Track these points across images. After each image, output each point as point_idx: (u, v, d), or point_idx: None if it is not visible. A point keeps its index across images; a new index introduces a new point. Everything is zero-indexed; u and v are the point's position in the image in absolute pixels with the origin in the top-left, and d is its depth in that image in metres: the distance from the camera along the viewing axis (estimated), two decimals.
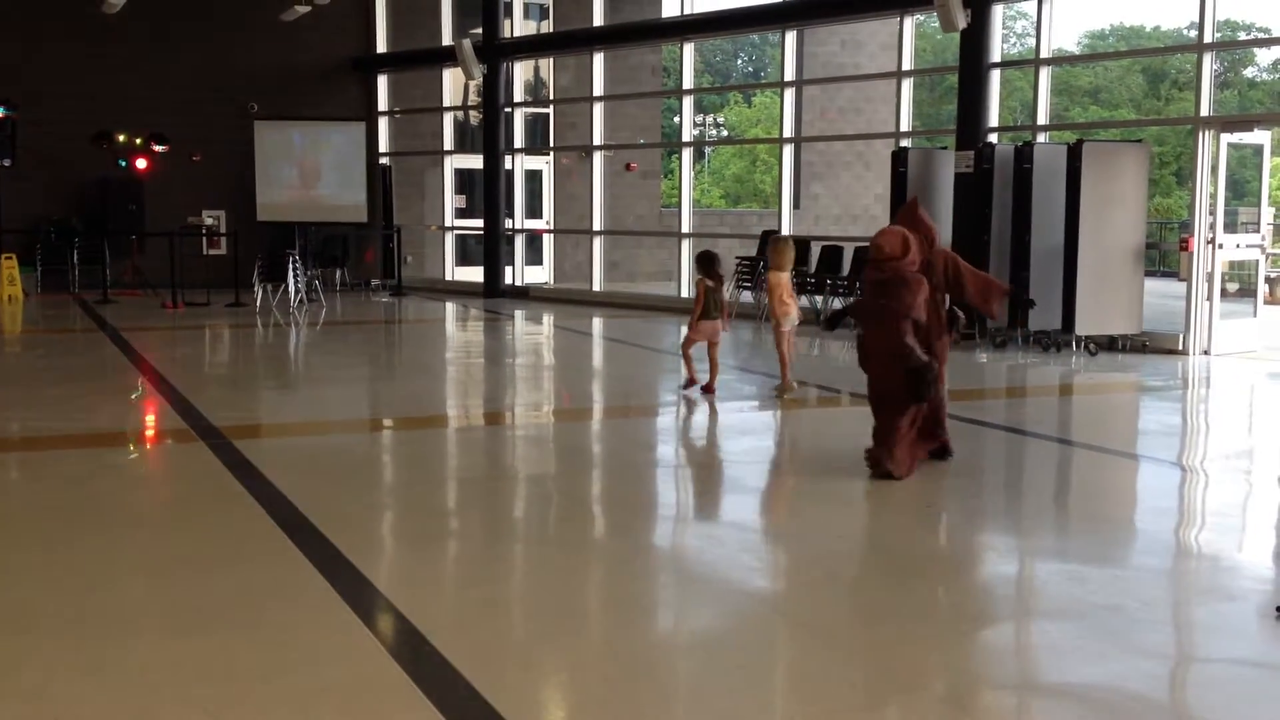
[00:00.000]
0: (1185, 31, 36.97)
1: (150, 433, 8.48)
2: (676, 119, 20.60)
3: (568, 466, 7.58)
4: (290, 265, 16.78)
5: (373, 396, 10.44)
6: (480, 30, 19.67)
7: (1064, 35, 60.75)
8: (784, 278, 9.54)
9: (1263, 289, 13.11)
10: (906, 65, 15.34)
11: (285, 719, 3.60)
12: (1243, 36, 37.42)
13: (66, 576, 4.97)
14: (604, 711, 3.75)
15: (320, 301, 17.70)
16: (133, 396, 9.90)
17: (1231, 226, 14.35)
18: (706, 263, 9.59)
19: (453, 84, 21.39)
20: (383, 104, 21.84)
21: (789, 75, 17.36)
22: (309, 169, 20.60)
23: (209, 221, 20.02)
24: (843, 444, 8.28)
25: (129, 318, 15.62)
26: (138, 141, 19.56)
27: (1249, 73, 44.85)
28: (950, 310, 7.12)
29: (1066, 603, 4.77)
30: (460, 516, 6.27)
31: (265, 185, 20.30)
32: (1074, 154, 12.42)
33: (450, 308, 18.28)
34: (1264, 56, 44.28)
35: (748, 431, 8.65)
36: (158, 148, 19.53)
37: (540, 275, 22.09)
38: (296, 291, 16.85)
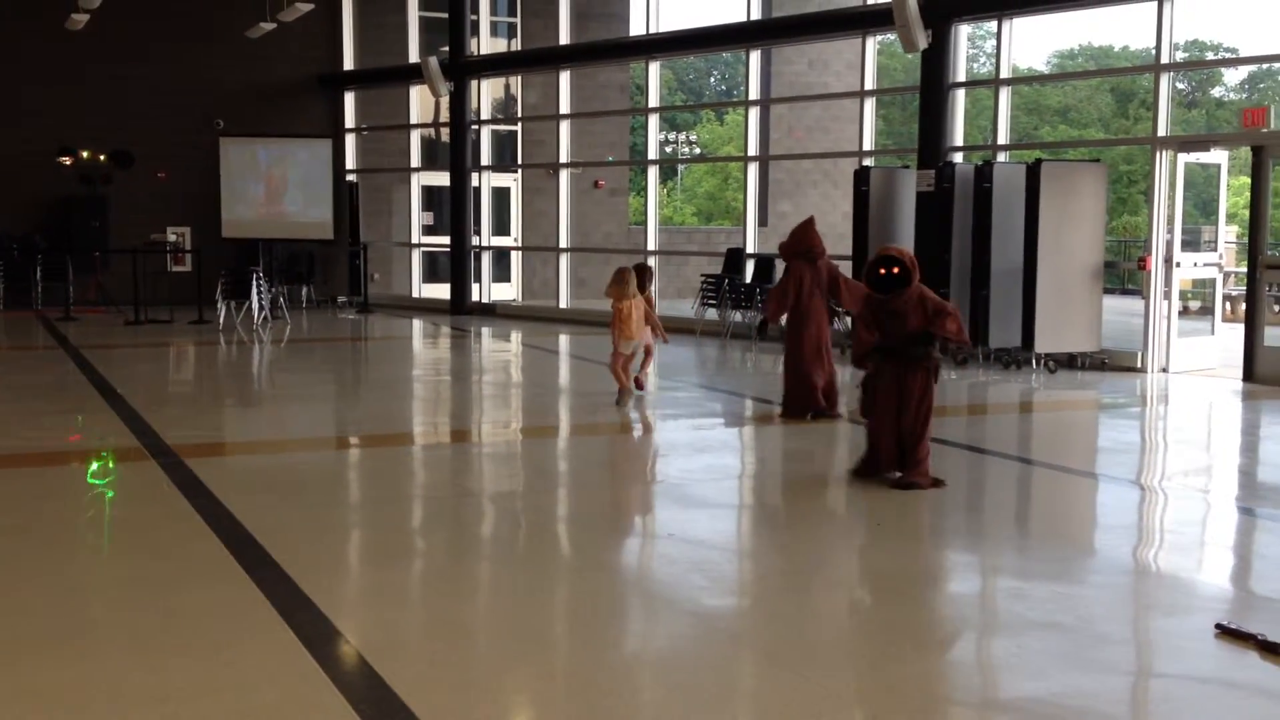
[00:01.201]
0: (1153, 51, 37.40)
1: (101, 452, 8.40)
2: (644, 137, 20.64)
3: (524, 484, 7.56)
4: (254, 282, 16.69)
5: (332, 414, 10.39)
6: (447, 48, 19.68)
7: (1034, 55, 61.39)
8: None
9: (1221, 307, 13.23)
10: (869, 85, 15.44)
11: None
12: (1210, 56, 37.90)
13: (0, 598, 4.91)
14: None
15: (285, 319, 17.62)
16: (79, 418, 9.80)
17: (1194, 245, 14.49)
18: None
19: (420, 101, 21.39)
20: (350, 121, 21.79)
21: (754, 94, 17.43)
22: (275, 185, 20.51)
23: (172, 238, 19.89)
24: (799, 462, 8.31)
25: (91, 335, 15.51)
26: (101, 158, 19.44)
27: (1216, 92, 45.42)
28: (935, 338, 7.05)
29: (1012, 619, 4.78)
30: (411, 536, 6.23)
31: (231, 202, 20.21)
32: (1033, 173, 12.52)
33: (416, 324, 18.23)
34: (1231, 76, 44.89)
35: (705, 449, 8.65)
36: (121, 166, 19.40)
37: (508, 292, 22.09)
38: (260, 309, 16.76)
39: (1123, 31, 62.83)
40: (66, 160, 19.17)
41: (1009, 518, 6.97)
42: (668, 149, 42.61)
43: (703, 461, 8.07)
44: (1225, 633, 4.44)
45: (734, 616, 4.89)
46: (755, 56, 17.36)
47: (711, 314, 16.34)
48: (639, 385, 10.46)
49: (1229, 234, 13.41)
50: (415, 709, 3.75)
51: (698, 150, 45.05)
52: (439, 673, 4.15)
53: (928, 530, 6.38)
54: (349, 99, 21.81)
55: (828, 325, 9.53)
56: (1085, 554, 6.00)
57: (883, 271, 6.86)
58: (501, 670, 4.19)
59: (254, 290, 16.61)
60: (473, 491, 7.24)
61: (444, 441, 9.04)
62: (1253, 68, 43.28)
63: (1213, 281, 13.22)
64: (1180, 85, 45.14)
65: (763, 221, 23.14)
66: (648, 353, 10.60)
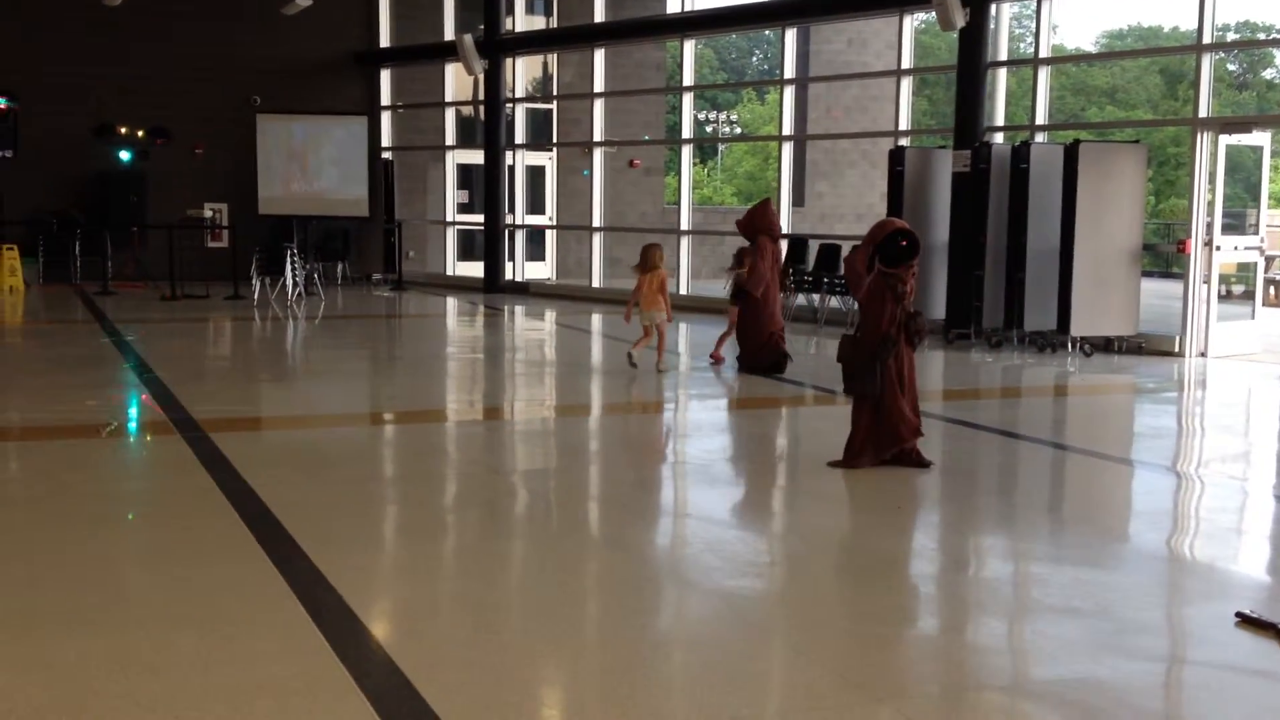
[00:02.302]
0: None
1: (128, 425, 8.46)
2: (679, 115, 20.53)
3: (548, 463, 7.54)
4: (289, 258, 16.76)
5: (361, 391, 10.40)
6: (482, 26, 19.63)
7: (1082, 34, 60.53)
8: (643, 280, 10.73)
9: (1261, 291, 12.98)
10: (906, 64, 15.24)
11: (216, 713, 3.56)
12: (1261, 38, 37.15)
13: (16, 568, 4.94)
14: (540, 714, 3.72)
15: (319, 295, 17.69)
16: (108, 391, 9.87)
17: (1238, 228, 14.22)
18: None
19: (455, 79, 21.35)
20: (385, 98, 21.81)
21: (790, 73, 17.26)
22: (311, 163, 20.58)
23: (208, 214, 20.01)
24: (818, 441, 8.23)
25: (127, 310, 15.64)
26: (139, 134, 19.57)
27: (1268, 74, 44.60)
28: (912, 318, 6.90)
29: (1034, 604, 4.70)
30: (432, 514, 6.22)
31: (267, 178, 20.30)
32: (1070, 154, 12.32)
33: (449, 302, 18.25)
34: None
35: (726, 428, 8.58)
36: (159, 141, 19.53)
37: (543, 271, 22.06)
38: (295, 285, 16.83)
39: (1172, 12, 61.71)
40: (107, 137, 19.31)
41: (1039, 503, 6.86)
42: (708, 128, 42.40)
43: (722, 441, 8.01)
44: (1245, 621, 4.34)
45: (754, 599, 4.83)
46: (791, 35, 17.18)
47: None
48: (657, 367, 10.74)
49: (1272, 217, 13.12)
50: (422, 689, 3.72)
51: (738, 130, 44.78)
52: (449, 652, 4.13)
53: (954, 514, 6.29)
54: (385, 76, 21.83)
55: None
56: (1114, 540, 5.89)
57: (905, 243, 6.74)
58: (511, 651, 4.16)
59: (288, 267, 16.67)
60: (497, 469, 7.22)
61: (472, 419, 9.04)
62: None
63: (1254, 265, 12.98)
64: (1232, 66, 44.34)
65: (798, 202, 22.98)
66: (660, 333, 10.81)
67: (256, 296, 16.82)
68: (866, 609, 4.67)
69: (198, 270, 17.66)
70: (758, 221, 10.62)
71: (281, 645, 4.11)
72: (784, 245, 10.82)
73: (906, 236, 6.78)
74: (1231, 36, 35.27)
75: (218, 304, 16.47)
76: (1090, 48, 42.90)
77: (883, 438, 6.86)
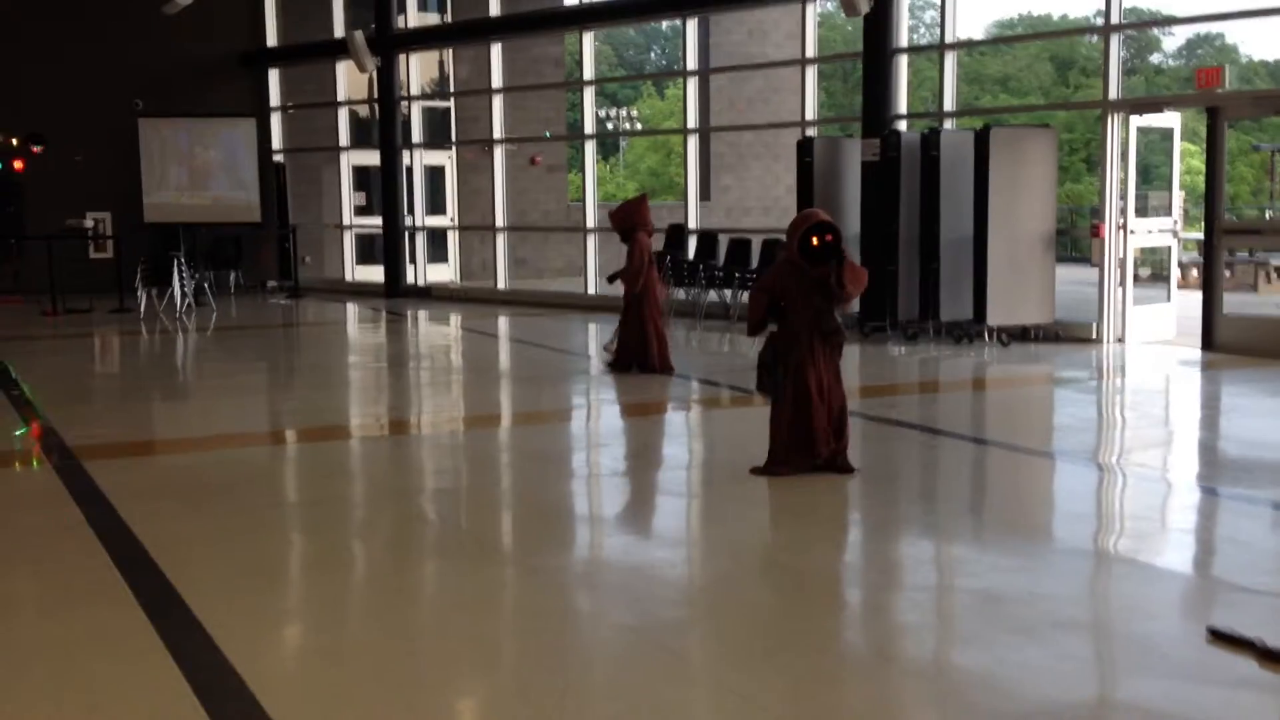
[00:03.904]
0: (1092, 19, 37.32)
1: None
2: (581, 112, 20.08)
3: (455, 482, 7.04)
4: (176, 268, 15.93)
5: (254, 407, 9.71)
6: (374, 23, 18.97)
7: (972, 24, 61.36)
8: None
9: (1175, 274, 12.94)
10: (810, 53, 14.96)
11: None
12: (1150, 23, 37.68)
13: None
14: None
15: (211, 305, 16.88)
16: None
17: (1142, 211, 14.18)
18: None
19: (348, 78, 20.61)
20: (274, 99, 20.99)
21: (691, 65, 16.90)
22: (198, 167, 19.70)
23: (89, 223, 19.02)
24: (736, 446, 7.86)
25: (3, 326, 14.72)
26: (14, 141, 18.52)
27: (1155, 59, 45.53)
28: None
29: (982, 626, 4.35)
30: (327, 545, 5.67)
31: (152, 185, 19.37)
32: (981, 140, 12.13)
33: (349, 309, 17.58)
34: (1169, 43, 44.97)
35: (639, 434, 8.15)
36: (35, 148, 18.52)
37: (446, 274, 21.45)
38: (184, 296, 16.01)
39: (1061, 1, 62.87)
40: None
41: (964, 507, 6.53)
42: (608, 125, 41.97)
43: (637, 448, 7.58)
44: (1218, 637, 4.02)
45: (671, 628, 4.40)
46: (693, 26, 16.82)
47: None
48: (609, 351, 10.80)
49: (1180, 199, 13.06)
50: None
51: (638, 125, 44.42)
52: (337, 711, 3.63)
53: (880, 521, 5.94)
54: (273, 76, 21.02)
55: None
56: (1050, 547, 5.58)
57: (816, 240, 6.28)
58: (419, 713, 3.68)
59: (175, 276, 15.86)
60: (403, 491, 6.69)
61: (375, 435, 8.47)
62: (1190, 35, 43.43)
63: (1165, 248, 12.92)
64: (1121, 52, 45.13)
65: (705, 196, 22.65)
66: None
67: (143, 309, 15.97)
68: (799, 637, 4.27)
69: (81, 283, 16.74)
70: (634, 216, 10.28)
71: (148, 706, 3.57)
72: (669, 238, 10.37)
73: (819, 232, 6.29)
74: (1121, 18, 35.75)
75: (102, 317, 15.61)
76: (981, 37, 43.32)
77: (801, 448, 6.47)
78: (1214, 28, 41.44)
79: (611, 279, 10.74)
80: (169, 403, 9.99)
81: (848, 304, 6.59)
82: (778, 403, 6.48)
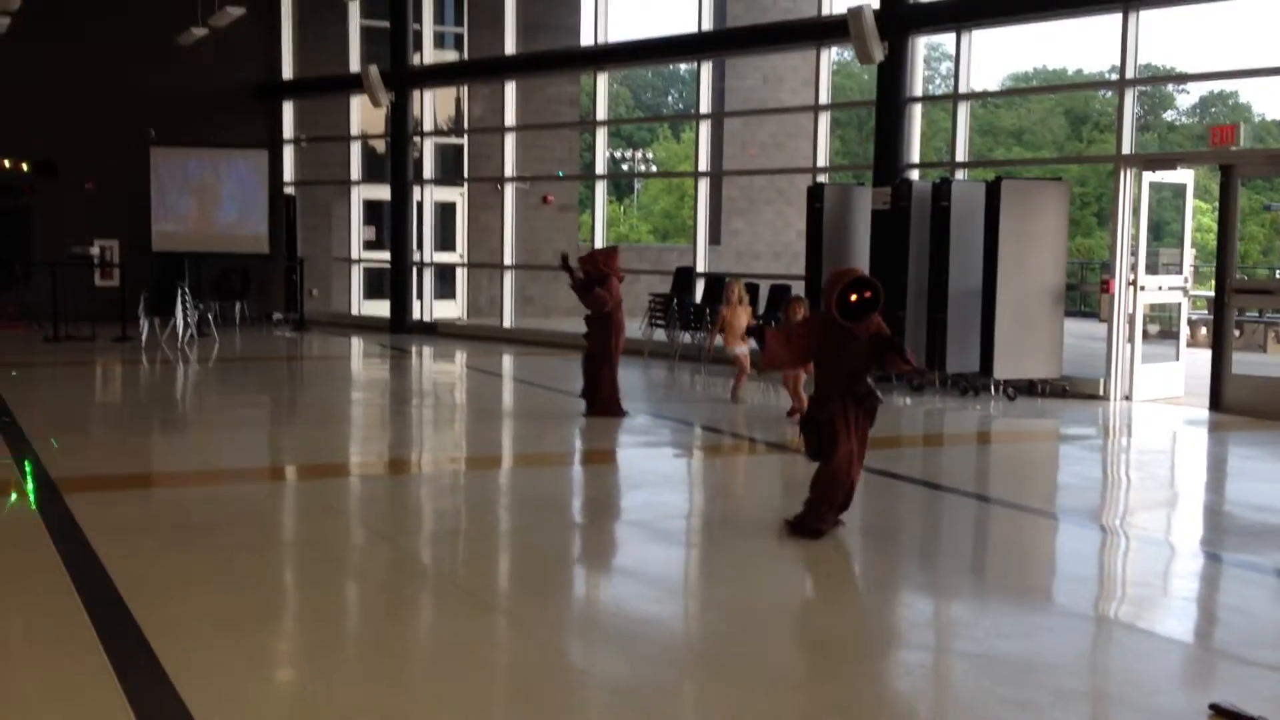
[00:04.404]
0: (1107, 75, 37.42)
1: None
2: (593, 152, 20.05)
3: (447, 527, 6.89)
4: (179, 297, 15.87)
5: (249, 442, 9.53)
6: (389, 58, 19.01)
7: (988, 76, 61.58)
8: (724, 312, 11.66)
9: (1185, 332, 12.78)
10: (824, 99, 14.92)
11: None
12: (1171, 85, 37.78)
13: None
14: None
15: (213, 336, 16.80)
16: None
17: (1152, 268, 14.05)
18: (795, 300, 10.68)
19: (362, 112, 20.65)
20: (288, 131, 21.03)
21: (704, 108, 16.87)
22: (208, 197, 19.70)
23: (94, 250, 18.98)
24: (742, 498, 7.70)
25: (3, 352, 14.65)
26: (24, 167, 18.55)
27: (1168, 116, 45.58)
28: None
29: (980, 695, 4.18)
30: (308, 591, 5.53)
31: (162, 214, 19.38)
32: (993, 191, 12.03)
33: (354, 343, 17.49)
34: (1183, 101, 45.03)
35: (644, 484, 8.00)
36: (46, 175, 18.54)
37: (453, 310, 21.38)
38: (186, 326, 15.94)
39: (1077, 55, 63.10)
40: None
41: (965, 566, 6.37)
42: (624, 166, 42.07)
43: (641, 499, 7.43)
44: (1221, 714, 3.85)
45: (659, 693, 4.24)
46: (707, 70, 16.81)
47: (660, 334, 15.73)
48: (734, 398, 11.47)
49: (1190, 256, 12.94)
50: None
51: (653, 167, 44.53)
52: None
53: (879, 579, 5.78)
54: (287, 109, 21.06)
55: None
56: (1050, 611, 5.41)
57: (855, 298, 6.05)
58: None
59: (179, 306, 15.79)
60: (395, 534, 6.54)
61: (372, 474, 8.33)
62: (1204, 92, 43.41)
63: (1175, 305, 12.77)
64: (1135, 109, 45.18)
65: (715, 239, 22.60)
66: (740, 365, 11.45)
67: (144, 338, 15.89)
68: (785, 700, 4.10)
69: (85, 310, 16.69)
70: (611, 263, 10.28)
71: None
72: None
73: (859, 289, 6.07)
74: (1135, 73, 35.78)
75: (103, 345, 15.53)
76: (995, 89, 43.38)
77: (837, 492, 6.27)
78: (1228, 86, 41.46)
79: (579, 292, 10.46)
80: (161, 435, 9.86)
81: (897, 367, 6.32)
82: (823, 461, 6.24)
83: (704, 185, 16.76)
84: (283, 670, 4.45)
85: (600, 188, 18.00)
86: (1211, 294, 12.09)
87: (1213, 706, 3.90)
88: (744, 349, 11.33)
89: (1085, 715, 4.14)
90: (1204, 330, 15.55)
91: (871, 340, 6.14)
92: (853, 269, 6.53)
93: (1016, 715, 3.95)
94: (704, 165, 16.73)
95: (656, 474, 8.38)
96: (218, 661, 4.34)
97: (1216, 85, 41.88)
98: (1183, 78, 31.42)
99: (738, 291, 11.57)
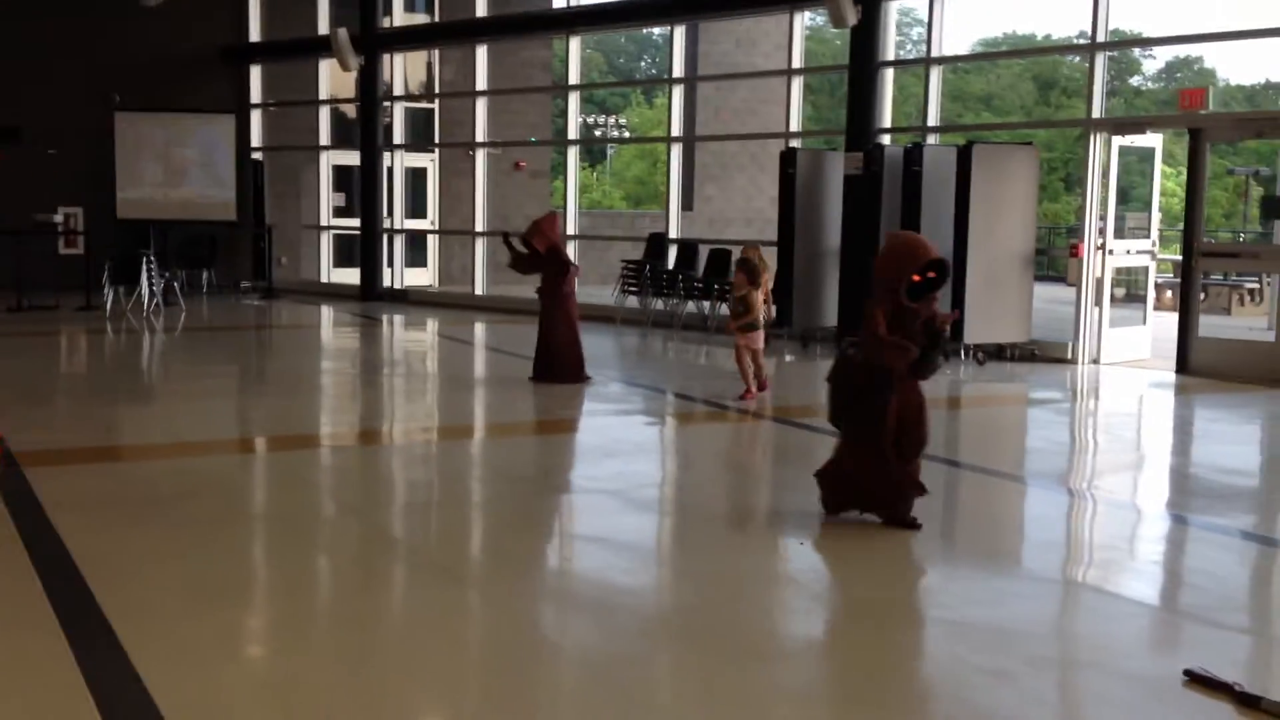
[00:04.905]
0: (1075, 40, 37.40)
1: None
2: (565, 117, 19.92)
3: (415, 498, 6.85)
4: (145, 266, 15.67)
5: (216, 413, 9.39)
6: (359, 21, 18.76)
7: (958, 42, 61.43)
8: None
9: (1152, 296, 12.82)
10: (796, 64, 14.82)
11: None
12: (1137, 49, 37.78)
13: None
14: None
15: (180, 305, 16.62)
16: None
17: (1119, 232, 14.09)
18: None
19: (331, 76, 20.39)
20: (255, 96, 20.75)
21: (677, 72, 16.74)
22: (174, 164, 19.43)
23: (57, 219, 18.72)
24: (717, 468, 7.69)
25: None
26: None
27: (1134, 81, 45.65)
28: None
29: (942, 666, 4.18)
30: (274, 565, 5.48)
31: (127, 181, 19.10)
32: (964, 156, 12.00)
33: (323, 312, 17.34)
34: (1149, 66, 45.05)
35: (617, 453, 7.97)
36: (8, 142, 18.24)
37: (424, 278, 21.23)
38: (152, 295, 15.76)
39: (1046, 20, 62.97)
40: None
41: (934, 532, 6.37)
42: (597, 132, 41.81)
43: (614, 468, 7.40)
44: (1195, 680, 3.86)
45: (633, 666, 4.22)
46: (680, 34, 16.66)
47: (633, 301, 15.68)
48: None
49: (1157, 220, 12.92)
50: None
51: (626, 133, 44.28)
52: None
53: (853, 549, 5.77)
54: (255, 73, 20.77)
55: None
56: (1020, 577, 5.42)
57: (933, 275, 5.51)
58: None
59: (144, 275, 15.60)
60: (363, 506, 6.49)
61: (341, 444, 8.26)
62: (1170, 57, 43.45)
63: (1142, 269, 12.80)
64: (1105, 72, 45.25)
65: (687, 205, 22.49)
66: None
67: (109, 307, 15.70)
68: (755, 670, 4.09)
69: (50, 279, 16.46)
70: (555, 232, 10.27)
71: None
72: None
73: (936, 267, 5.53)
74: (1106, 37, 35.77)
75: (67, 315, 15.34)
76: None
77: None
78: (1194, 51, 41.51)
79: (517, 266, 10.42)
80: (125, 407, 9.73)
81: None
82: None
83: (677, 151, 16.65)
84: (250, 649, 4.41)
85: (573, 153, 17.87)
86: (1178, 258, 12.13)
87: (1187, 672, 3.91)
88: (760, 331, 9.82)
89: (1059, 682, 4.15)
90: (1169, 294, 15.62)
91: (921, 327, 5.55)
92: (920, 241, 5.71)
93: (991, 683, 3.96)
94: (677, 130, 16.62)
95: (629, 442, 8.35)
96: (182, 641, 4.28)
97: (1183, 50, 41.92)
98: (1152, 41, 31.32)
99: (756, 259, 9.75)
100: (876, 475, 5.74)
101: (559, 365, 10.19)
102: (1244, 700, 3.68)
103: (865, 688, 4.04)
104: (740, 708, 3.77)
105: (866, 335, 5.59)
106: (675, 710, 3.80)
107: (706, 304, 14.80)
